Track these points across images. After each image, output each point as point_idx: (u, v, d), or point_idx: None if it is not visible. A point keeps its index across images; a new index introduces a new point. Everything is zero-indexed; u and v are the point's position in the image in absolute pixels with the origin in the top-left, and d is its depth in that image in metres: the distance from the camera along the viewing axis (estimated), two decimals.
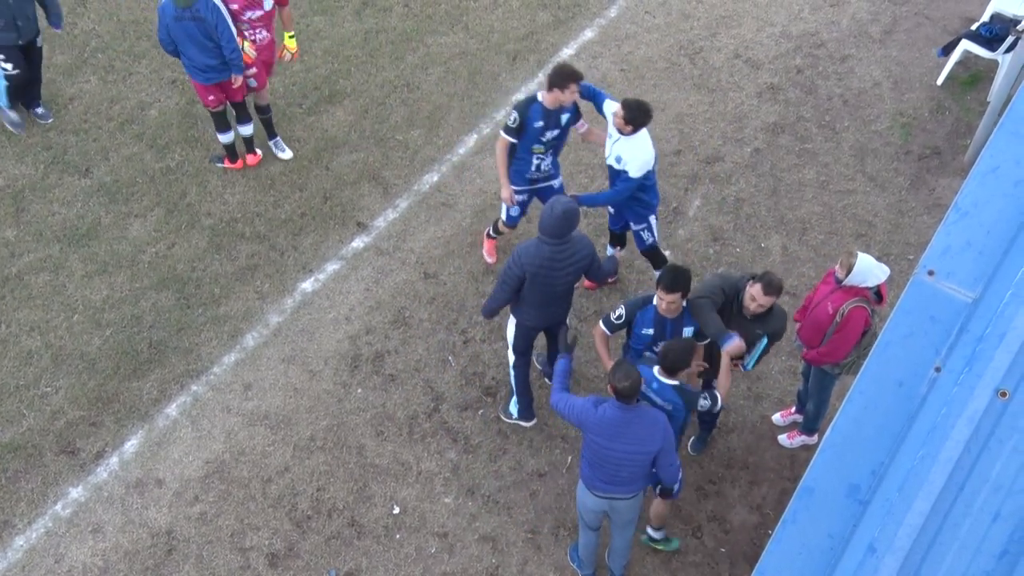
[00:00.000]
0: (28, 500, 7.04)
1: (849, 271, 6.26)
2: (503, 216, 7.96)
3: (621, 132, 7.09)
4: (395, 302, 8.13)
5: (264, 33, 8.19)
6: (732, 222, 8.67)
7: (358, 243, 8.49)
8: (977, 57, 9.51)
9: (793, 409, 7.52)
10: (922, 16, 10.35)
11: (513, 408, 7.43)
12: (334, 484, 7.20)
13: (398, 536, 7.00)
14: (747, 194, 8.88)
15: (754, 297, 6.26)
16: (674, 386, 6.04)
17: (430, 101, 9.48)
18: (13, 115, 8.74)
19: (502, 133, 7.35)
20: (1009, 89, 8.57)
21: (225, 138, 8.66)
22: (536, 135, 7.31)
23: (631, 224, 7.66)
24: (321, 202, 8.73)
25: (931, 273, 4.25)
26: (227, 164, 8.86)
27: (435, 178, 8.92)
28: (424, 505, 7.13)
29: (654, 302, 6.34)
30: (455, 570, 6.86)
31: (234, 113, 8.64)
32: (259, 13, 8.02)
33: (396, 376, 7.72)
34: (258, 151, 8.95)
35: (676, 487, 6.42)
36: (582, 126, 7.57)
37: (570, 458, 7.36)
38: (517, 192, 7.68)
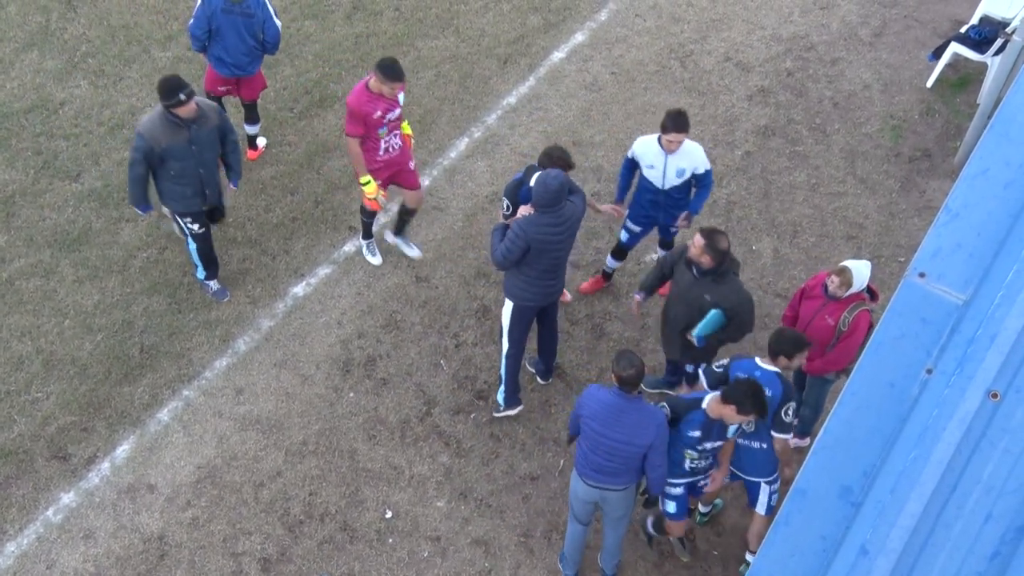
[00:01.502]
0: (19, 506, 7.01)
1: (849, 287, 6.31)
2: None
3: (669, 151, 7.18)
4: (387, 306, 8.13)
5: (398, 138, 7.64)
6: (723, 225, 8.68)
7: (350, 247, 8.48)
8: (966, 60, 9.55)
9: None
10: (911, 19, 10.39)
11: (500, 398, 7.43)
12: (326, 488, 7.18)
13: (390, 540, 6.98)
14: (738, 197, 8.90)
15: (694, 243, 6.46)
16: (776, 372, 6.11)
17: (421, 105, 9.47)
18: (213, 284, 8.03)
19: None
20: (998, 91, 8.61)
21: None
22: None
23: (667, 224, 7.67)
24: (312, 206, 8.72)
25: (922, 275, 4.27)
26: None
27: (426, 182, 8.92)
28: (416, 509, 7.12)
29: (703, 406, 5.99)
30: (448, 574, 6.85)
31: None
32: (397, 112, 7.46)
33: (388, 380, 7.71)
34: (259, 144, 9.00)
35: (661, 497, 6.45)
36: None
37: (562, 461, 7.36)
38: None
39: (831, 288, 6.39)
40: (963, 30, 9.59)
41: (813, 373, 6.78)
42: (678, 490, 6.33)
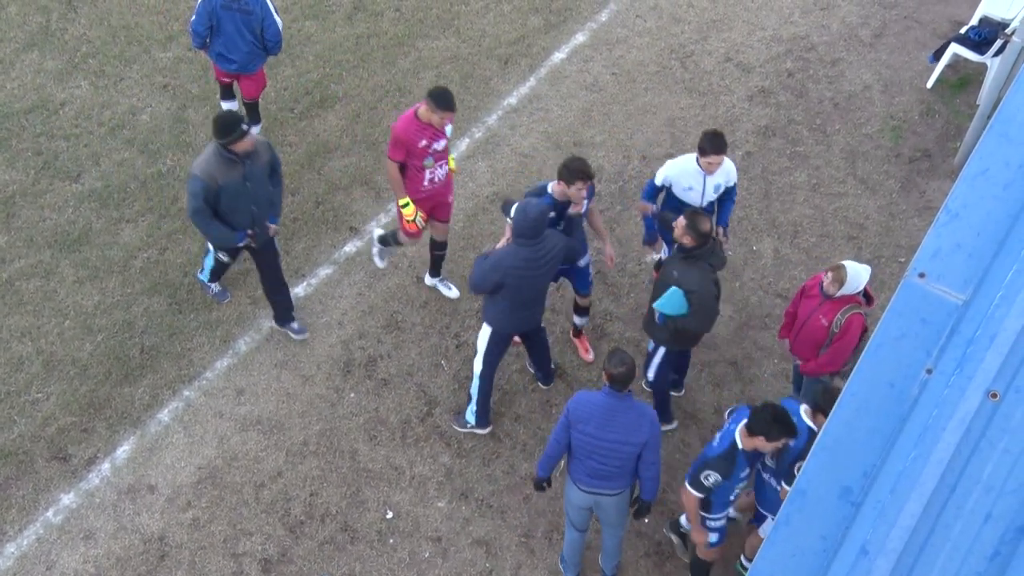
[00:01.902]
0: (19, 507, 7.01)
1: (842, 285, 6.30)
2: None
3: (709, 172, 7.15)
4: (388, 306, 8.13)
5: (443, 169, 7.47)
6: None
7: (350, 248, 8.48)
8: (966, 60, 9.56)
9: None
10: (911, 20, 10.39)
11: (470, 416, 7.36)
12: (327, 489, 7.18)
13: (391, 541, 6.99)
14: (739, 197, 8.86)
15: (678, 224, 6.56)
16: (809, 427, 5.92)
17: None
18: (215, 286, 8.05)
19: None
20: (998, 92, 8.61)
21: (228, 105, 8.99)
22: None
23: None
24: (313, 207, 8.72)
25: (922, 275, 4.26)
26: None
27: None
28: (417, 509, 7.12)
29: (739, 447, 5.85)
30: (449, 574, 6.85)
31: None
32: (443, 142, 7.30)
33: (389, 380, 7.72)
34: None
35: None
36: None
37: (563, 462, 7.36)
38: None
39: (824, 284, 6.42)
40: (963, 31, 9.59)
41: (808, 374, 6.80)
42: (721, 522, 6.24)
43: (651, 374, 7.12)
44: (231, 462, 7.28)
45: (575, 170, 6.78)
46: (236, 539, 6.93)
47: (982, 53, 9.34)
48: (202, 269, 7.95)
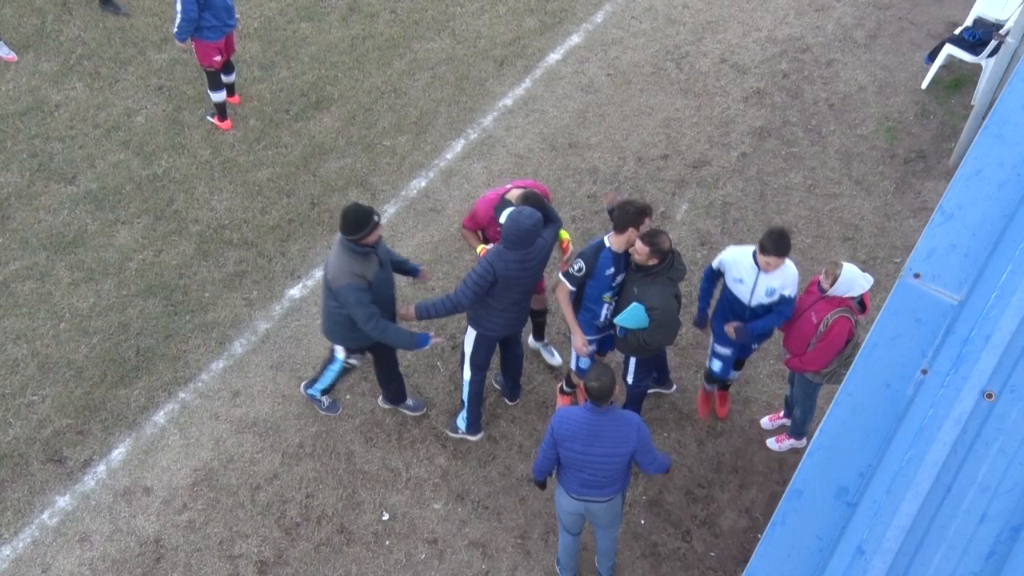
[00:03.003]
0: (14, 509, 7.00)
1: (834, 281, 6.28)
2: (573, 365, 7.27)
3: (765, 271, 6.52)
4: None
5: None
6: (719, 226, 8.70)
7: None
8: (961, 61, 9.58)
9: (781, 413, 7.54)
10: (906, 21, 10.42)
11: (461, 422, 7.35)
12: (323, 491, 7.18)
13: (388, 542, 6.98)
14: (734, 198, 8.91)
15: (638, 251, 6.34)
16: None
17: (417, 107, 9.48)
18: (325, 400, 7.46)
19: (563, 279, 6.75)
20: (992, 93, 8.63)
21: (218, 96, 9.00)
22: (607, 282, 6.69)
23: (746, 344, 7.23)
24: (309, 208, 8.72)
25: (917, 276, 4.27)
26: (216, 122, 9.15)
27: (423, 184, 8.92)
28: (414, 511, 7.12)
29: (606, 244, 6.47)
30: None
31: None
32: None
33: None
34: (236, 94, 9.36)
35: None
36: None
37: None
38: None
39: (821, 281, 6.41)
40: (957, 32, 9.61)
41: (792, 369, 6.79)
42: (592, 347, 6.87)
43: (630, 379, 7.06)
44: (227, 464, 7.27)
45: (640, 208, 6.40)
46: (232, 541, 6.92)
47: (977, 54, 9.37)
48: (314, 382, 7.26)
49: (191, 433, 7.40)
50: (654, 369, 7.28)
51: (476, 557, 6.94)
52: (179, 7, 8.25)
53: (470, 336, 6.91)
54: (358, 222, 6.19)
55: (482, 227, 7.09)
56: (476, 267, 6.43)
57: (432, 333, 6.71)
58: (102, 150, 8.98)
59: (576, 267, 6.55)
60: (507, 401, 7.63)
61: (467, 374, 7.07)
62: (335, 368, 7.03)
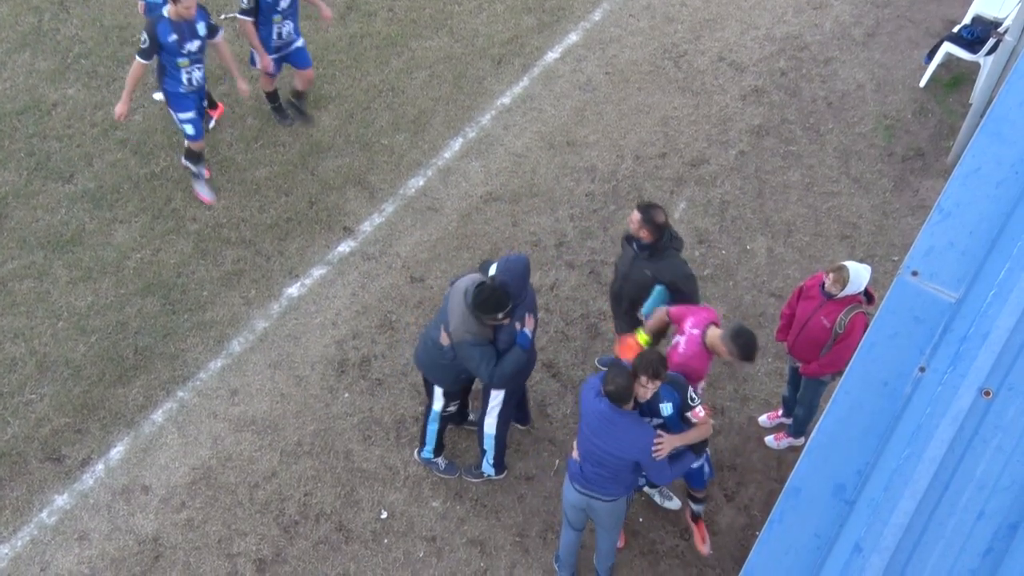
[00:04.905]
0: (13, 508, 6.99)
1: (845, 285, 6.29)
2: None
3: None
4: (382, 306, 8.12)
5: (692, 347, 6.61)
6: (718, 224, 8.70)
7: (344, 248, 8.47)
8: (959, 59, 9.58)
9: (779, 411, 7.54)
10: (904, 19, 10.42)
11: (488, 468, 7.16)
12: (321, 489, 7.18)
13: (386, 540, 6.98)
14: (732, 196, 8.91)
15: (632, 219, 6.43)
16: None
17: (415, 105, 9.48)
18: (441, 461, 7.24)
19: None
20: (991, 91, 8.64)
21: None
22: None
23: None
24: (307, 207, 8.72)
25: (915, 273, 4.28)
26: (212, 113, 9.16)
27: (421, 182, 8.92)
28: (412, 509, 7.12)
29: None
30: (443, 574, 6.85)
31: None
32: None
33: (383, 380, 7.71)
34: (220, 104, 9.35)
35: (703, 475, 6.49)
36: None
37: (557, 461, 7.37)
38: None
39: (827, 285, 6.37)
40: (956, 30, 9.61)
41: (809, 376, 6.77)
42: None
43: None
44: (225, 462, 7.27)
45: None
46: (231, 539, 6.92)
47: (975, 52, 9.36)
48: (423, 446, 7.13)
49: (189, 432, 7.40)
50: None
51: (474, 555, 6.94)
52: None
53: (497, 396, 6.66)
54: (498, 305, 6.11)
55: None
56: (512, 353, 6.28)
57: (519, 326, 6.43)
58: (100, 149, 8.97)
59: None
60: (519, 426, 7.46)
61: (492, 428, 6.82)
62: (434, 422, 6.94)
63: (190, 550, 6.86)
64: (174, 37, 7.71)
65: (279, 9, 8.32)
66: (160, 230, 8.45)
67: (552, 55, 10.02)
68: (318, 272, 8.32)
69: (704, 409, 5.93)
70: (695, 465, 6.36)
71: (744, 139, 9.35)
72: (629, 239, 6.64)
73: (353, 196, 8.80)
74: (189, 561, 6.81)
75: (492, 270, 6.39)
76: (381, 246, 8.47)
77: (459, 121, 9.40)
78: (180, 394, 7.59)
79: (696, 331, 6.16)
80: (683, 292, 6.56)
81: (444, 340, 6.38)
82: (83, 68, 9.57)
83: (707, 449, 6.48)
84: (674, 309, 6.39)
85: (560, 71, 9.86)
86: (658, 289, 6.50)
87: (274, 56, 8.62)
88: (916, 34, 10.26)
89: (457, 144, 9.24)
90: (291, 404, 7.57)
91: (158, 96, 9.28)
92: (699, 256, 8.47)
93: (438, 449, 7.12)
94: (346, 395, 7.63)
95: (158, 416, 7.47)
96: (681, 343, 6.22)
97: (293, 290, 8.20)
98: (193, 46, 7.85)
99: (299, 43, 8.74)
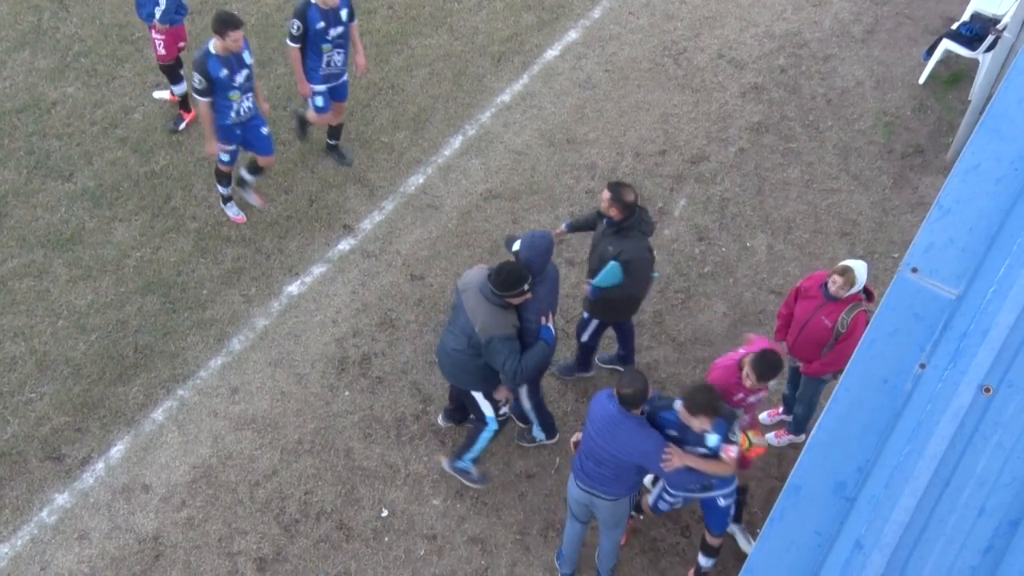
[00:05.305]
0: (13, 507, 7.00)
1: (852, 287, 6.29)
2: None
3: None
4: (382, 304, 8.12)
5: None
6: (717, 221, 8.70)
7: (344, 245, 8.47)
8: (958, 56, 9.57)
9: (780, 409, 7.54)
10: (903, 16, 10.41)
11: (538, 432, 7.31)
12: (322, 487, 7.18)
13: (387, 539, 6.98)
14: (732, 193, 8.91)
15: (603, 196, 6.55)
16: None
17: (415, 103, 9.47)
18: (475, 471, 7.12)
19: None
20: (990, 88, 8.64)
21: (179, 89, 8.99)
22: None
23: None
24: (307, 205, 8.71)
25: (915, 270, 4.28)
26: (184, 115, 9.13)
27: (420, 180, 8.92)
28: (413, 507, 7.12)
29: (675, 407, 5.86)
30: (444, 572, 6.85)
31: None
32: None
33: (383, 378, 7.71)
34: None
35: (727, 517, 6.42)
36: None
37: (558, 459, 7.37)
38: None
39: (833, 289, 6.34)
40: (955, 27, 9.61)
41: (811, 375, 6.76)
42: (667, 496, 6.41)
43: (584, 337, 7.36)
44: (226, 461, 7.27)
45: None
46: (231, 538, 6.92)
47: (974, 49, 9.36)
48: (465, 451, 6.99)
49: (190, 430, 7.40)
50: (621, 345, 7.56)
51: (475, 553, 6.94)
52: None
53: (525, 392, 6.89)
54: (519, 280, 6.13)
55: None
56: (505, 338, 6.26)
57: (547, 322, 6.45)
58: (99, 147, 8.97)
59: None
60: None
61: (529, 403, 6.97)
62: (489, 432, 6.86)
63: (190, 549, 6.86)
64: (224, 72, 7.49)
65: (329, 38, 7.97)
66: (160, 228, 8.45)
67: (552, 52, 10.01)
68: (318, 270, 8.32)
69: (736, 448, 5.82)
70: (723, 503, 6.30)
71: (744, 136, 9.34)
72: (600, 215, 6.79)
73: (353, 194, 8.80)
74: (189, 560, 6.81)
75: (516, 246, 6.46)
76: (381, 244, 8.47)
77: (459, 119, 9.39)
78: (180, 392, 7.59)
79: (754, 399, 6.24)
80: (635, 272, 6.63)
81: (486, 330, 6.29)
82: (83, 66, 9.56)
83: (743, 496, 6.56)
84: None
85: (560, 68, 9.86)
86: (612, 264, 6.57)
87: (323, 87, 8.27)
88: (915, 31, 10.25)
89: (457, 142, 9.24)
90: (291, 402, 7.57)
91: (158, 94, 9.29)
92: (699, 253, 8.47)
93: (478, 459, 7.05)
94: (346, 393, 7.63)
95: (158, 414, 7.47)
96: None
97: (293, 288, 8.20)
98: (242, 77, 7.63)
99: (345, 78, 8.43)
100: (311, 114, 8.52)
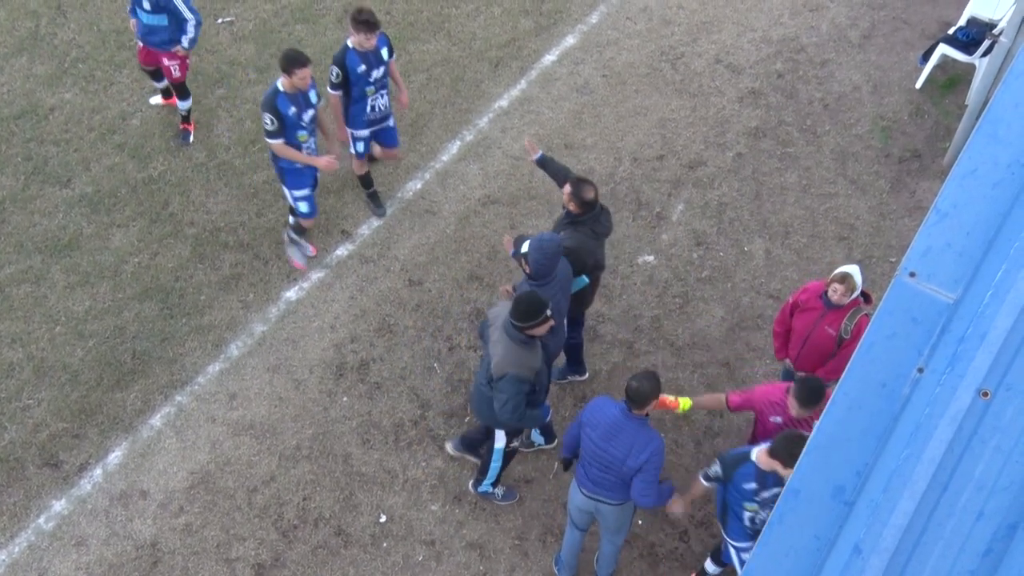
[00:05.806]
0: (10, 514, 6.98)
1: (853, 293, 6.30)
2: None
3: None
4: (380, 310, 8.12)
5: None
6: (715, 226, 8.71)
7: (342, 251, 8.47)
8: (955, 61, 9.60)
9: None
10: (900, 20, 10.43)
11: (537, 436, 7.31)
12: (320, 493, 7.17)
13: (385, 544, 6.97)
14: (730, 198, 8.92)
15: (565, 191, 6.68)
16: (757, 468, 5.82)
17: (413, 108, 9.47)
18: (499, 491, 7.12)
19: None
20: (986, 92, 8.65)
21: (186, 104, 8.98)
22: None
23: None
24: None
25: (912, 275, 4.27)
26: (188, 127, 9.11)
27: (418, 185, 8.92)
28: (411, 513, 7.11)
29: (753, 458, 5.78)
30: None
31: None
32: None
33: (381, 384, 7.71)
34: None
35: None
36: None
37: (556, 464, 7.36)
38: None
39: (835, 297, 6.34)
40: (951, 32, 9.63)
41: None
42: (745, 555, 6.04)
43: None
44: (224, 467, 7.26)
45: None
46: (229, 544, 6.91)
47: (970, 53, 9.38)
48: (482, 479, 6.99)
49: (187, 436, 7.39)
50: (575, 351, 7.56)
51: (474, 559, 6.93)
52: (188, 14, 8.18)
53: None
54: (537, 311, 5.94)
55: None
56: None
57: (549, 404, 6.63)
58: (97, 153, 8.97)
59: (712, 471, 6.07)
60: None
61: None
62: (497, 460, 6.79)
63: (188, 555, 6.85)
64: (293, 110, 7.34)
65: (371, 80, 7.72)
66: (158, 234, 8.44)
67: (549, 58, 10.02)
68: (316, 276, 8.32)
69: None
70: None
71: (741, 141, 9.36)
72: (563, 205, 6.90)
73: (351, 200, 8.80)
74: (187, 566, 6.80)
75: (525, 247, 6.41)
76: (379, 249, 8.47)
77: (456, 124, 9.40)
78: (178, 398, 7.58)
79: (779, 419, 6.18)
80: (575, 261, 6.65)
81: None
82: (80, 72, 9.57)
83: None
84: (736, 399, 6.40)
85: (557, 74, 9.87)
86: (581, 279, 6.73)
87: (366, 132, 8.08)
88: (912, 36, 10.27)
89: (455, 147, 9.24)
90: (289, 408, 7.56)
91: (154, 100, 9.29)
92: (697, 258, 8.48)
93: (496, 481, 7.04)
94: (344, 399, 7.62)
95: (156, 421, 7.46)
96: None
97: (291, 294, 8.20)
98: (308, 116, 7.48)
99: (391, 122, 8.22)
100: (355, 164, 8.35)
